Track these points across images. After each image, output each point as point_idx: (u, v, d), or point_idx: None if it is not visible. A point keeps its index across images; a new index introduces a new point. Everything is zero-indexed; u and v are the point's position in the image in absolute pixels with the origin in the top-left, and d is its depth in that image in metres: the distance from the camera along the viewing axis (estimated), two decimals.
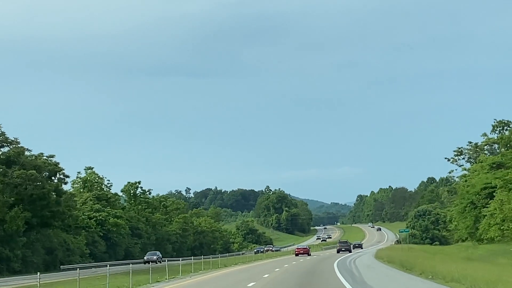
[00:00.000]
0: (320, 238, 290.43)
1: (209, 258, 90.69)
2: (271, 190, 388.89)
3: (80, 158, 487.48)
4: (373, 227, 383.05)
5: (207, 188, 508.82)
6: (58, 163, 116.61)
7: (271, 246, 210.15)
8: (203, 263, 79.58)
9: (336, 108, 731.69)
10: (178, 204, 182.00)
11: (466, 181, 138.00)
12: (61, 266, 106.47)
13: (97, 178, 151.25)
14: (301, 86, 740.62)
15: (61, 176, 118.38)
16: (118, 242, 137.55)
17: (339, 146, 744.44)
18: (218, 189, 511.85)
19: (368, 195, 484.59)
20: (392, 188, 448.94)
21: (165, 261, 69.75)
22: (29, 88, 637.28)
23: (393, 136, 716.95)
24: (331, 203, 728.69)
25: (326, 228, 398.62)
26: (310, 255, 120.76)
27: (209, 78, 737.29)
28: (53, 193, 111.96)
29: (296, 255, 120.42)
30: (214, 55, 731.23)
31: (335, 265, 70.09)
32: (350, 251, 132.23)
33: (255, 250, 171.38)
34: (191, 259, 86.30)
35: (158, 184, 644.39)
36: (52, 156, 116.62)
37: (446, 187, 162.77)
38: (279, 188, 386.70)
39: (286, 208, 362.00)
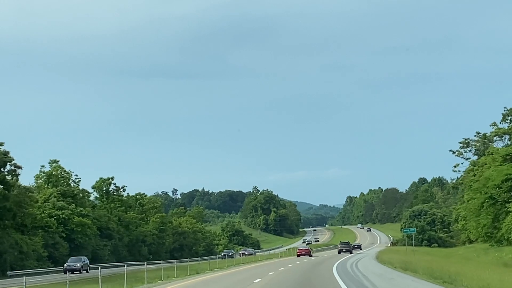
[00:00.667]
0: (305, 241, 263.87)
1: (174, 263, 72.06)
2: (258, 191, 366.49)
3: (66, 159, 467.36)
4: (363, 228, 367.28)
5: (194, 189, 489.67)
6: (8, 152, 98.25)
7: (246, 249, 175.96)
8: (163, 269, 61.05)
9: (325, 110, 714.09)
10: (155, 202, 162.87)
11: (474, 175, 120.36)
12: (8, 272, 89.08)
13: (63, 173, 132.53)
14: (289, 88, 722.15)
15: (12, 168, 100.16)
16: (83, 244, 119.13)
17: (327, 148, 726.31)
18: (205, 190, 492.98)
19: (358, 197, 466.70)
20: (382, 189, 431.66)
21: (97, 268, 50.38)
22: (18, 89, 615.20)
23: (382, 138, 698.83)
24: (320, 205, 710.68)
25: (315, 230, 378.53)
26: (311, 255, 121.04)
27: (197, 80, 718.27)
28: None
29: (298, 255, 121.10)
30: (202, 57, 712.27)
31: (334, 271, 52.38)
32: (351, 252, 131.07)
33: (222, 254, 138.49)
34: (157, 264, 68.60)
35: (145, 185, 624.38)
36: (1, 144, 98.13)
37: (450, 183, 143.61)
38: (267, 189, 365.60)
39: (274, 209, 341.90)
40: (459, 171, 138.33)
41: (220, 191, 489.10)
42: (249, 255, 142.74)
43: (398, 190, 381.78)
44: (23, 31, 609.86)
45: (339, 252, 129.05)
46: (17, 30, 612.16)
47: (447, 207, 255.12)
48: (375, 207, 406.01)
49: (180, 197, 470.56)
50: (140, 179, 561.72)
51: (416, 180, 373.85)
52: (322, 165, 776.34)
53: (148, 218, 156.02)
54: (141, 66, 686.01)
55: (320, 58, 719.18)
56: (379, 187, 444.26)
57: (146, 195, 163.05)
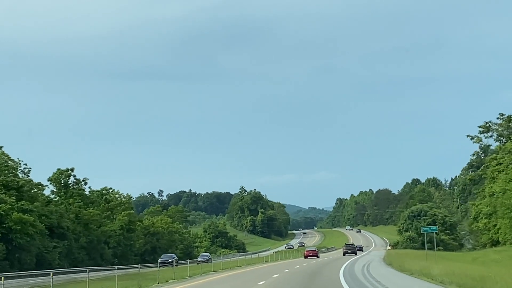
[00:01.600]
0: (288, 246, 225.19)
1: (103, 270, 48.31)
2: (246, 191, 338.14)
3: (53, 161, 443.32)
4: (352, 229, 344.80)
5: (181, 191, 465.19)
6: None
7: (203, 254, 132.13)
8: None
9: (314, 112, 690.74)
10: (123, 197, 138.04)
11: (500, 163, 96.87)
12: None
13: (8, 161, 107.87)
14: (278, 91, 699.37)
15: None
16: (24, 245, 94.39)
17: (316, 150, 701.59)
18: (192, 191, 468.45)
19: (348, 199, 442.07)
20: (372, 191, 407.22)
21: None
22: (4, 90, 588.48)
23: (371, 140, 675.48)
24: (309, 207, 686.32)
25: (305, 233, 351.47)
26: (318, 257, 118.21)
27: (187, 82, 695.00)
28: None
29: (306, 257, 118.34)
30: (193, 59, 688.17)
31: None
32: (355, 254, 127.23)
33: (159, 261, 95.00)
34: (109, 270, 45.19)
35: (132, 186, 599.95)
36: None
37: (469, 174, 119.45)
38: (255, 189, 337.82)
39: (262, 210, 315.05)
40: (482, 156, 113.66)
41: (207, 193, 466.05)
42: (201, 262, 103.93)
43: (391, 191, 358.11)
44: (9, 32, 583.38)
45: (344, 254, 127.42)
46: (4, 31, 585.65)
47: (446, 208, 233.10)
48: (367, 209, 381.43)
49: (166, 199, 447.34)
50: (127, 180, 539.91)
51: (410, 181, 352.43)
52: (311, 168, 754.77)
53: (115, 216, 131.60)
54: (130, 68, 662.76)
55: (310, 61, 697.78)
56: (370, 189, 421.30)
57: (114, 189, 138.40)
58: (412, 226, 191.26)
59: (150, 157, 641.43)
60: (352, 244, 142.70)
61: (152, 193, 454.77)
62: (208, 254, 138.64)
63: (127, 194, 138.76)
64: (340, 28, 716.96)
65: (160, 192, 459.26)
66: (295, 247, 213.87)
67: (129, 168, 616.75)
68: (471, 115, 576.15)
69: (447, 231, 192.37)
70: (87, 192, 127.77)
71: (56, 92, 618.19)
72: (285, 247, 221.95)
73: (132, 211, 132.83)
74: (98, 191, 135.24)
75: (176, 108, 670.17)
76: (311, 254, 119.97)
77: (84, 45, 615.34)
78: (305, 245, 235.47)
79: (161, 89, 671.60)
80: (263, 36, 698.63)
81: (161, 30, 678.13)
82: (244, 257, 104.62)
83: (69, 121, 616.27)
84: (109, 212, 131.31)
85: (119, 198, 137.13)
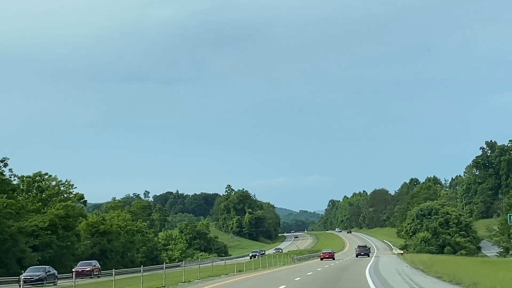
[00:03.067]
0: (262, 253, 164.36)
1: None
2: (233, 190, 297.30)
3: (38, 165, 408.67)
4: (341, 231, 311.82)
5: (168, 192, 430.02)
6: None
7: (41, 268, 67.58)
8: None
9: (305, 115, 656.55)
10: (61, 185, 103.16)
11: None
12: None
13: None
14: (269, 94, 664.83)
15: None
16: None
17: (307, 153, 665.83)
18: (179, 192, 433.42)
19: (341, 200, 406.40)
20: (367, 192, 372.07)
21: None
22: None
23: (363, 143, 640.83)
24: (300, 211, 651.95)
25: (297, 236, 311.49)
26: (334, 259, 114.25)
27: (176, 84, 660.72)
28: None
29: (321, 259, 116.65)
30: (181, 62, 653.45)
31: None
32: (368, 255, 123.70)
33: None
34: None
35: (119, 188, 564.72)
36: None
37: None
38: (243, 188, 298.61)
39: (250, 210, 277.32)
40: None
41: (195, 194, 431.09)
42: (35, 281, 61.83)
43: (388, 191, 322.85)
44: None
45: (357, 256, 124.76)
46: None
47: (455, 207, 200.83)
48: (362, 210, 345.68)
49: (152, 200, 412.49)
50: (113, 182, 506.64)
51: (407, 181, 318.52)
52: (302, 171, 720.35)
53: (48, 210, 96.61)
54: (119, 70, 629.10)
55: (301, 64, 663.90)
56: (364, 191, 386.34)
57: (51, 175, 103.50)
58: (422, 226, 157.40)
59: (137, 158, 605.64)
60: (365, 246, 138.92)
61: (138, 194, 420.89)
62: (48, 268, 70.54)
63: (66, 180, 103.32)
64: (332, 31, 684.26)
65: (146, 193, 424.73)
66: (263, 254, 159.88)
67: (115, 169, 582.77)
68: (469, 116, 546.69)
69: (462, 232, 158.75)
70: (8, 177, 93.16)
71: (42, 95, 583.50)
72: (250, 256, 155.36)
73: (70, 202, 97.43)
74: (28, 177, 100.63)
75: (165, 110, 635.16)
76: (327, 256, 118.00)
77: (69, 48, 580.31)
78: (282, 250, 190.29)
79: (150, 91, 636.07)
80: (253, 39, 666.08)
81: (149, 33, 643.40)
82: (207, 264, 69.40)
83: (55, 123, 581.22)
84: (40, 203, 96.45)
85: (56, 187, 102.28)
